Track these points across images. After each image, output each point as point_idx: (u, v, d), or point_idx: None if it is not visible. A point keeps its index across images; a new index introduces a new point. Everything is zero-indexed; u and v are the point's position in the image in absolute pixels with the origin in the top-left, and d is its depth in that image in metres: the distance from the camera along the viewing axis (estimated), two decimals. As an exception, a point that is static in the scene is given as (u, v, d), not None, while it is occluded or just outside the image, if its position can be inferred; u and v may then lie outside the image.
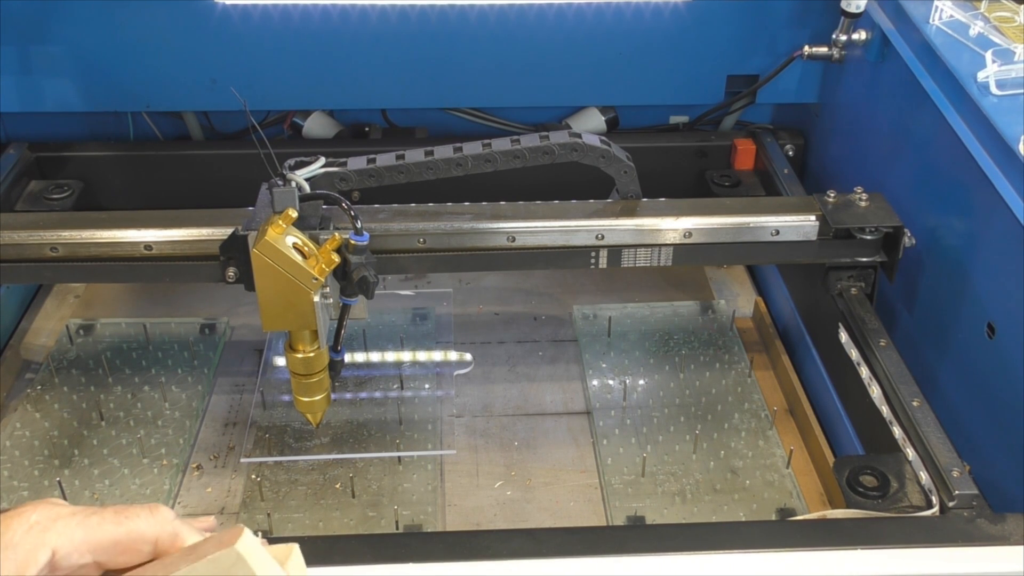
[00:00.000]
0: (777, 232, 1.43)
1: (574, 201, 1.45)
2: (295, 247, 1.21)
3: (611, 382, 1.64)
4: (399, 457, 1.49)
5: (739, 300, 1.87)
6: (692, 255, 1.44)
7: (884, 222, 1.42)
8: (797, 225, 1.43)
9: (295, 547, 0.68)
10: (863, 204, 1.44)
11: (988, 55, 1.40)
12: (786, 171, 1.75)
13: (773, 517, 1.39)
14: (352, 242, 1.26)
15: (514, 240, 1.40)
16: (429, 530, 1.37)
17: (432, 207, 1.42)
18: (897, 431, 1.23)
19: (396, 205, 1.42)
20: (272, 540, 0.70)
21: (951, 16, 1.51)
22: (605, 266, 1.43)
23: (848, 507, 1.16)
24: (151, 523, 0.68)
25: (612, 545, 1.02)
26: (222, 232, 1.35)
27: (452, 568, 0.97)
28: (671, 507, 1.41)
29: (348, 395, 1.61)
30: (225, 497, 1.45)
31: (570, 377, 1.68)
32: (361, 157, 1.37)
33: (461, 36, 1.73)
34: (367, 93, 1.81)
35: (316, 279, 1.21)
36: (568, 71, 1.80)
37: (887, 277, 1.45)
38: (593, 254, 1.42)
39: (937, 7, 1.51)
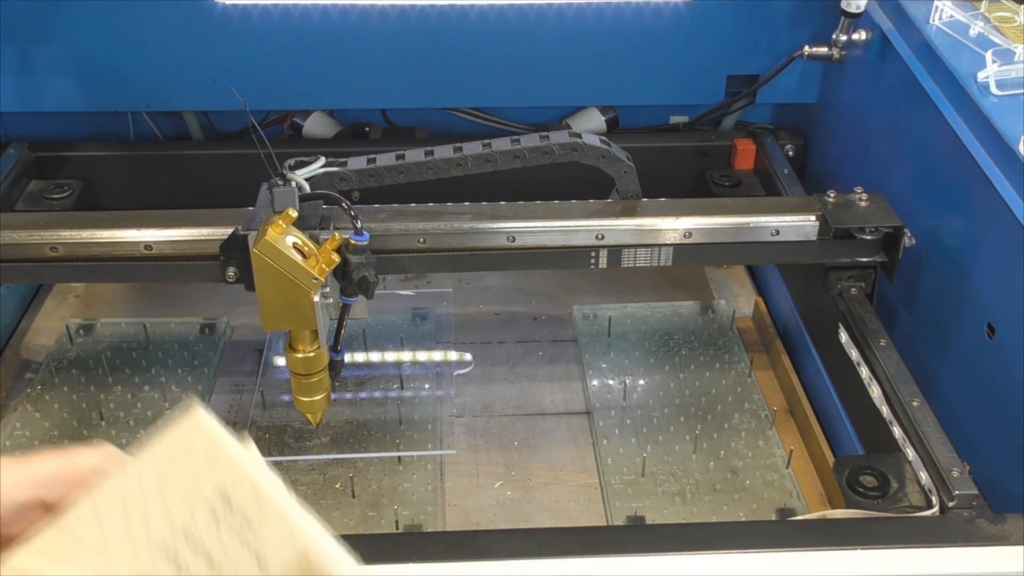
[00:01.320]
0: (777, 232, 1.43)
1: (574, 201, 1.45)
2: (295, 247, 1.21)
3: (611, 382, 1.64)
4: (399, 457, 1.49)
5: (739, 300, 1.87)
6: (692, 255, 1.44)
7: (884, 222, 1.42)
8: (797, 225, 1.43)
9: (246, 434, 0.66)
10: (863, 204, 1.44)
11: (988, 55, 1.39)
12: (786, 171, 1.75)
13: (773, 517, 1.39)
14: (352, 242, 1.26)
15: (514, 240, 1.40)
16: (429, 530, 1.37)
17: (432, 207, 1.42)
18: (897, 431, 1.23)
19: (396, 205, 1.42)
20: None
21: (951, 16, 1.51)
22: (605, 266, 1.43)
23: (848, 507, 1.16)
24: (95, 454, 0.67)
25: (612, 545, 1.02)
26: (222, 232, 1.35)
27: (452, 568, 0.97)
28: (671, 507, 1.41)
29: (348, 395, 1.61)
30: (225, 497, 1.45)
31: (570, 377, 1.68)
32: (361, 157, 1.37)
33: (461, 36, 1.73)
34: (367, 93, 1.81)
35: (316, 279, 1.21)
36: (568, 71, 1.79)
37: (887, 277, 1.44)
38: (593, 254, 1.42)
39: (937, 7, 1.51)
